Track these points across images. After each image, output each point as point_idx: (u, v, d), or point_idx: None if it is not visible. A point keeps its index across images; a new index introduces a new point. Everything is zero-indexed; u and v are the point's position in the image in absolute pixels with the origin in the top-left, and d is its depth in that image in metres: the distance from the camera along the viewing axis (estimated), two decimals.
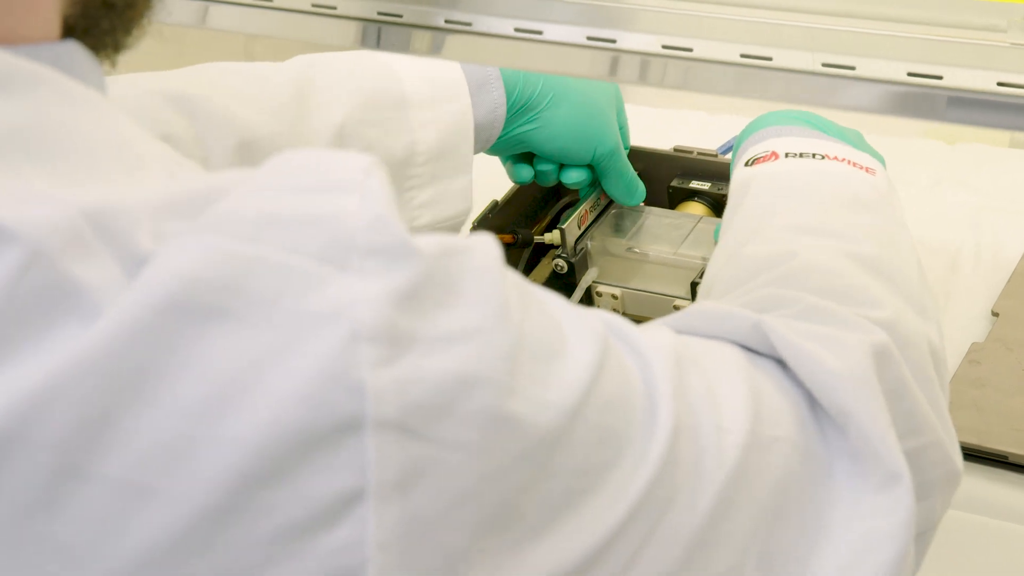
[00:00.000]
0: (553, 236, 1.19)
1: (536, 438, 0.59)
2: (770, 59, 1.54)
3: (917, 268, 0.87)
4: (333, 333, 0.55)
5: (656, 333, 0.70)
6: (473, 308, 0.58)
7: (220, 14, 1.27)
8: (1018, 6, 1.29)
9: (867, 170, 0.92)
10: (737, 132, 1.33)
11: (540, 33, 1.56)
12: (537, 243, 1.21)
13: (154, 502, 0.54)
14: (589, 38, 1.56)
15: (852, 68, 1.52)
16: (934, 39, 1.45)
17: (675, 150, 1.25)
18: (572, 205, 1.23)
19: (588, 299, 1.16)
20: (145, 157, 0.61)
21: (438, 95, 1.09)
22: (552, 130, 1.15)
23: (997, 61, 1.46)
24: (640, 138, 1.29)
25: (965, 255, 1.24)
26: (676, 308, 1.13)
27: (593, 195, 1.18)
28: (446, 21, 1.68)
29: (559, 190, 1.26)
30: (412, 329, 0.56)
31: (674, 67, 1.40)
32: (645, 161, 1.26)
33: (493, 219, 1.20)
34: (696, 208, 1.22)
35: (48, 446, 0.53)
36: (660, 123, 1.48)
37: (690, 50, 1.54)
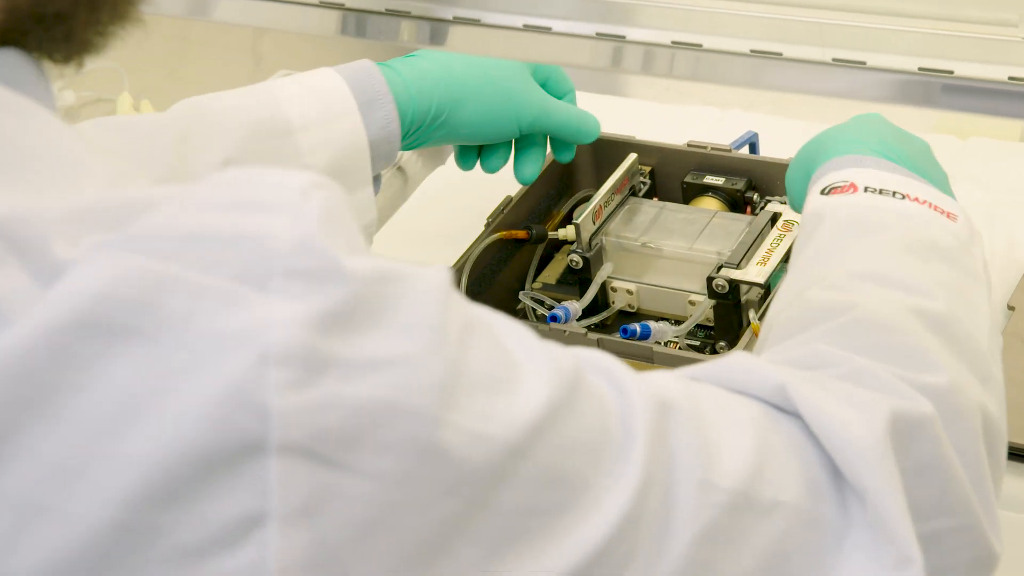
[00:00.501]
0: (567, 232, 1.19)
1: (469, 472, 0.58)
2: (780, 54, 1.54)
3: (988, 329, 0.83)
4: (241, 355, 0.54)
5: (654, 378, 0.67)
6: (403, 335, 0.57)
7: (226, 7, 1.27)
8: None
9: (949, 215, 0.88)
10: (749, 128, 1.33)
11: (548, 29, 1.56)
12: (551, 239, 1.21)
13: (50, 521, 0.53)
14: (598, 34, 1.56)
15: (863, 63, 1.52)
16: (945, 34, 1.45)
17: (689, 145, 1.25)
18: (586, 200, 1.22)
19: (603, 294, 1.16)
20: (85, 168, 0.60)
21: (324, 116, 1.08)
22: (466, 128, 1.14)
23: (1008, 55, 1.46)
24: (652, 134, 1.29)
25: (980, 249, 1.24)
26: (691, 303, 1.13)
27: (608, 190, 1.18)
28: (455, 18, 1.68)
29: (572, 185, 1.26)
30: (330, 354, 0.55)
31: (683, 58, 1.40)
32: (658, 156, 1.25)
33: (507, 215, 1.20)
34: (710, 203, 1.22)
35: None
36: (671, 119, 1.48)
37: (699, 45, 1.54)
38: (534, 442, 0.60)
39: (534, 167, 1.20)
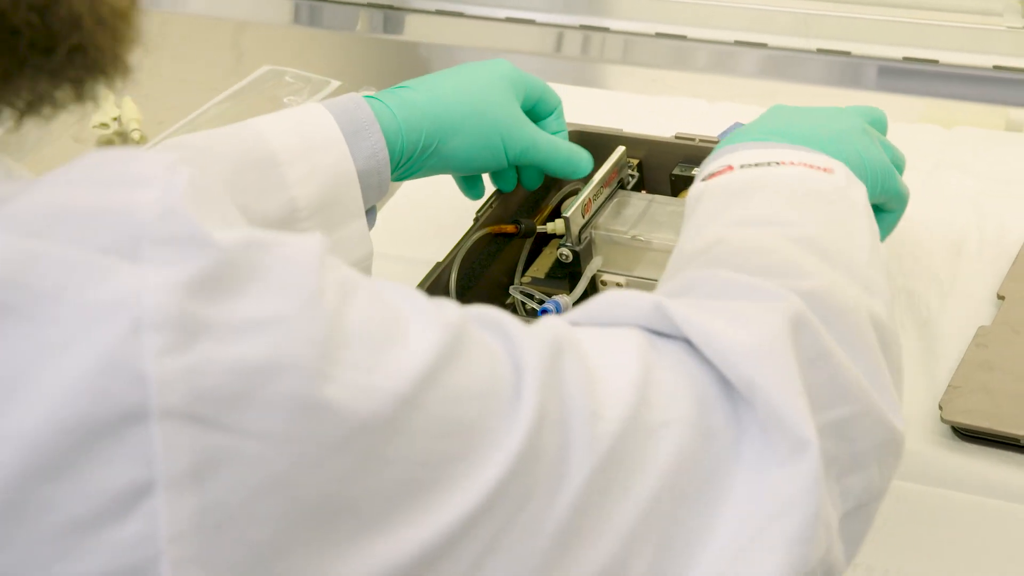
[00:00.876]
0: (556, 225, 1.19)
1: (358, 425, 0.58)
2: (765, 45, 1.54)
3: (870, 251, 0.85)
4: (114, 323, 0.55)
5: (541, 323, 0.69)
6: (276, 296, 0.58)
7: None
8: None
9: (825, 170, 0.89)
10: (738, 119, 1.33)
11: (532, 21, 1.56)
12: (540, 232, 1.21)
13: None
14: (582, 25, 1.56)
15: (847, 53, 1.52)
16: (930, 23, 1.46)
17: (676, 137, 1.25)
18: (574, 194, 1.22)
19: (593, 288, 1.16)
20: None
21: (310, 146, 1.07)
22: (456, 161, 1.13)
23: (993, 45, 1.46)
24: (639, 126, 1.28)
25: (969, 239, 1.24)
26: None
27: (596, 184, 1.18)
28: (437, 11, 1.68)
29: (560, 179, 1.26)
30: (205, 317, 0.56)
31: (666, 48, 1.40)
32: (646, 149, 1.25)
33: (495, 210, 1.19)
34: None
35: None
36: (656, 112, 1.47)
37: (684, 37, 1.54)
38: (424, 391, 0.60)
39: (511, 183, 1.21)
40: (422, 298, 0.64)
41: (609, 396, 0.67)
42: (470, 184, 1.20)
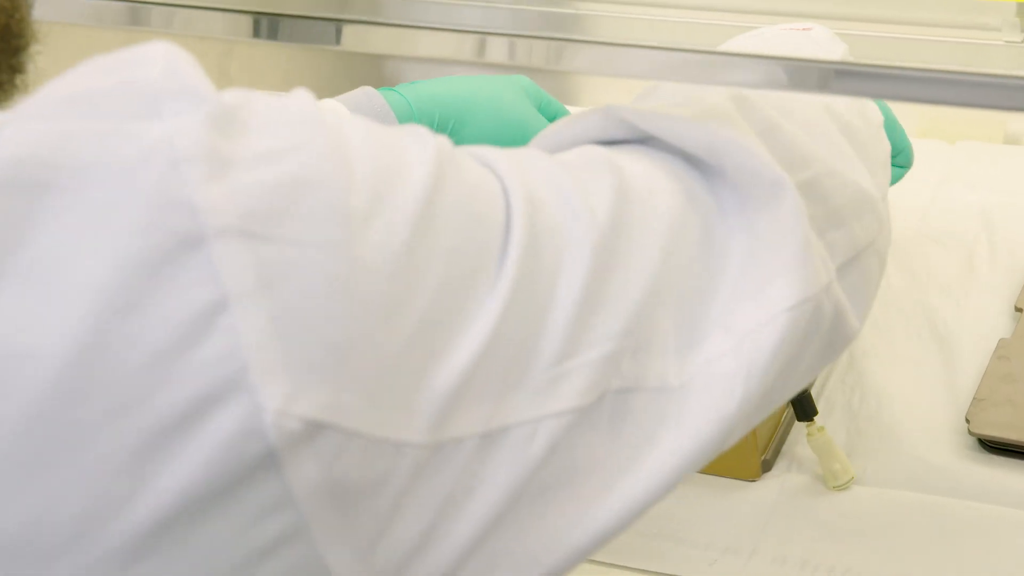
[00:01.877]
0: None
1: (393, 225, 0.61)
2: (763, 56, 1.54)
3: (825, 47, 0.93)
4: (153, 166, 0.57)
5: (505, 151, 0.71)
6: (286, 127, 0.61)
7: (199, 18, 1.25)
8: (1010, 4, 1.30)
9: (804, 29, 0.95)
10: None
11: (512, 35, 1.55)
12: None
13: (22, 360, 0.56)
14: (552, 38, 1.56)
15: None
16: (928, 39, 1.46)
17: None
18: None
19: None
20: None
21: None
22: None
23: (991, 59, 1.47)
24: None
25: (981, 252, 1.25)
26: None
27: None
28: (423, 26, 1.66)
29: None
30: (229, 151, 0.59)
31: (641, 57, 1.40)
32: None
33: None
34: None
35: None
36: None
37: (682, 50, 1.54)
38: (438, 192, 0.63)
39: None
40: (412, 131, 0.67)
41: (590, 180, 0.69)
42: None
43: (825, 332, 0.75)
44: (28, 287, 0.56)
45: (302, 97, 0.64)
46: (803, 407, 1.07)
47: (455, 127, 1.12)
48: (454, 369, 0.61)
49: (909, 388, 1.13)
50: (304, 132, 0.61)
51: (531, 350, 0.64)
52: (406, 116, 1.10)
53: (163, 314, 0.56)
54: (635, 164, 0.73)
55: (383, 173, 0.62)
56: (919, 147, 1.41)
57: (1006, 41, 1.47)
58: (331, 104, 1.10)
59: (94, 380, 0.56)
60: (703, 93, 0.79)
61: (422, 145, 0.65)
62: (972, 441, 1.06)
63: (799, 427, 1.10)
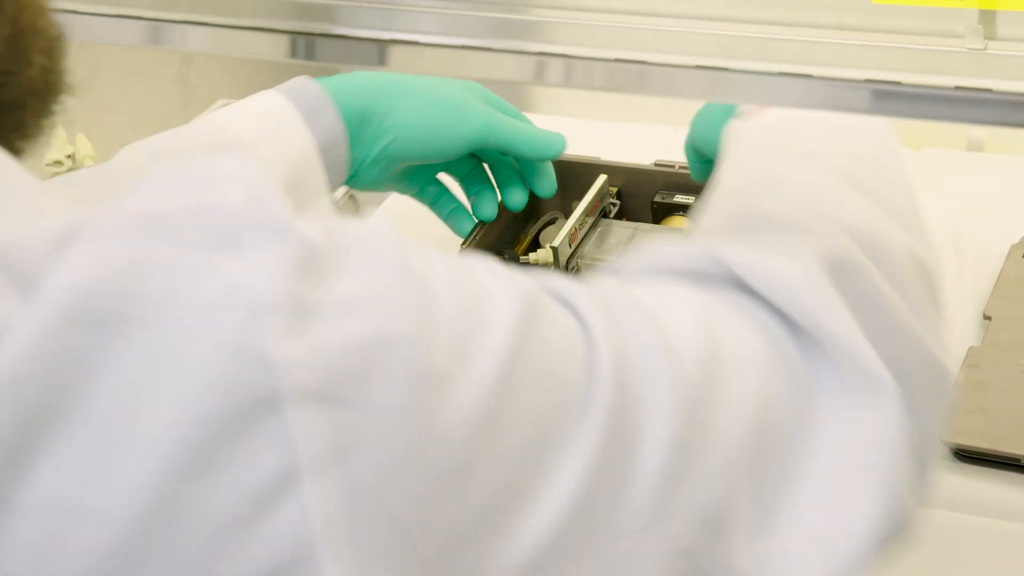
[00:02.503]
0: (540, 256, 1.18)
1: (473, 388, 0.58)
2: (726, 69, 1.54)
3: (908, 193, 0.86)
4: (232, 312, 0.54)
5: (593, 282, 0.69)
6: (371, 271, 0.58)
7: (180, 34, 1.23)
8: (973, 11, 1.30)
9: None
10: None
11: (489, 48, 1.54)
12: (523, 262, 1.20)
13: (84, 519, 0.53)
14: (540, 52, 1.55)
15: (808, 76, 1.52)
16: (892, 46, 1.46)
17: (656, 165, 1.25)
18: (552, 223, 1.21)
19: None
20: (47, 208, 0.59)
21: (270, 130, 1.07)
22: (408, 131, 1.12)
23: (954, 66, 1.47)
24: (600, 152, 1.28)
25: (949, 260, 1.25)
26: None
27: (581, 212, 1.17)
28: (391, 40, 1.66)
29: (537, 208, 1.25)
30: (312, 299, 0.56)
31: (626, 72, 1.39)
32: (624, 176, 1.25)
33: (478, 241, 1.19)
34: (682, 222, 1.21)
35: None
36: (618, 139, 1.47)
37: (644, 62, 1.53)
38: (523, 347, 0.60)
39: (493, 204, 1.20)
40: (493, 263, 0.64)
41: (678, 338, 0.66)
42: (457, 216, 1.19)
43: (902, 532, 0.73)
44: (95, 436, 0.53)
45: (386, 230, 0.60)
46: None
47: (383, 113, 1.11)
48: (523, 545, 0.59)
49: None
50: (389, 278, 0.58)
51: (606, 524, 0.62)
52: (343, 99, 1.10)
53: (232, 481, 0.53)
54: (730, 319, 0.70)
55: (467, 326, 0.59)
56: None
57: (968, 48, 1.48)
58: (271, 97, 1.09)
59: (155, 547, 0.53)
60: (815, 228, 0.75)
61: (506, 288, 0.62)
62: (944, 450, 1.05)
63: None
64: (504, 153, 1.17)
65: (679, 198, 1.22)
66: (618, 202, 1.23)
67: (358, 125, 1.11)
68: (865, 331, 0.71)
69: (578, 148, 1.32)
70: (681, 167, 1.23)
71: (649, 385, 0.64)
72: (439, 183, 1.20)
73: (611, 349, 0.64)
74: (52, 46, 0.65)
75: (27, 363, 0.53)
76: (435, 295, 0.59)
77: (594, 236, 1.19)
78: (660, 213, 1.23)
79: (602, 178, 1.21)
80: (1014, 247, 1.25)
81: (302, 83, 1.10)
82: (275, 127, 1.07)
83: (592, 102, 1.58)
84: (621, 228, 1.20)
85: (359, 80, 1.12)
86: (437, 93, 1.13)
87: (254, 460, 0.53)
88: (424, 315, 0.58)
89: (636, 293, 0.69)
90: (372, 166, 1.13)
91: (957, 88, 1.44)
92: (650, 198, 1.23)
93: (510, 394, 0.59)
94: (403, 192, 1.20)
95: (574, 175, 1.25)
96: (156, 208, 0.56)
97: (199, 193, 0.57)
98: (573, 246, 1.16)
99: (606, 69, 1.43)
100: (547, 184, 1.19)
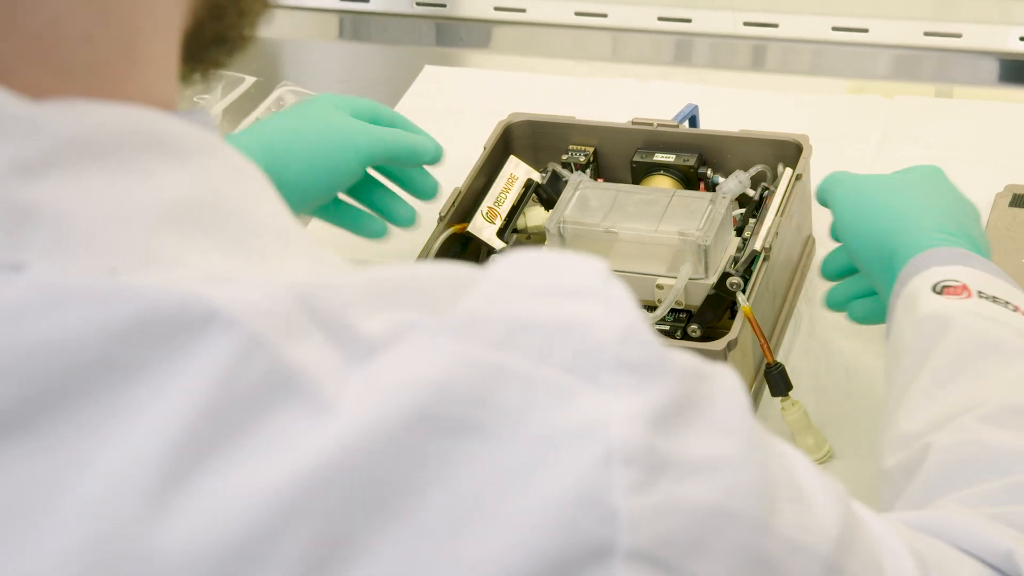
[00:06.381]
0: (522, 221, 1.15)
1: None
2: (776, 26, 1.49)
3: None
4: (585, 453, 0.51)
5: (897, 526, 0.66)
6: (725, 436, 0.55)
7: None
8: None
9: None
10: (678, 102, 1.30)
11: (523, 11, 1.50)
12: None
13: None
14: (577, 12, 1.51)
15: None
16: None
17: (633, 123, 1.22)
18: (528, 187, 1.19)
19: None
20: (291, 229, 0.57)
21: None
22: (302, 186, 1.12)
23: (922, 11, 1.45)
24: (569, 110, 1.25)
25: None
26: (659, 287, 1.09)
27: (493, 196, 1.17)
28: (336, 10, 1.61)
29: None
30: (666, 452, 0.53)
31: (668, 41, 1.36)
32: (601, 136, 1.22)
33: (458, 208, 1.15)
34: (664, 181, 1.19)
35: (287, 562, 0.49)
36: (582, 94, 1.44)
37: (689, 20, 1.49)
38: (842, 556, 0.58)
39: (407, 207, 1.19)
40: (804, 458, 0.61)
41: None
42: (365, 222, 1.19)
43: None
44: (423, 542, 0.50)
45: (740, 387, 0.57)
46: (778, 382, 1.04)
47: (284, 165, 1.10)
48: None
49: (872, 356, 1.11)
50: (739, 443, 0.55)
51: None
52: None
53: None
54: None
55: (800, 520, 0.56)
56: (859, 103, 1.39)
57: None
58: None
59: None
60: None
61: (825, 490, 0.59)
62: None
63: (770, 402, 1.07)
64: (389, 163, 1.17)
65: (659, 157, 1.19)
66: (592, 160, 1.21)
67: None
68: None
69: (540, 106, 1.29)
70: (660, 125, 1.20)
71: None
72: (336, 202, 1.18)
73: None
74: None
75: (363, 450, 0.50)
76: (772, 477, 0.56)
77: (575, 199, 1.15)
78: (640, 173, 1.20)
79: (511, 161, 1.20)
80: (999, 196, 1.23)
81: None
82: None
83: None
84: (602, 190, 1.16)
85: (246, 142, 1.09)
86: (315, 132, 1.12)
87: None
88: (766, 496, 0.55)
89: (941, 563, 0.67)
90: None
91: (925, 34, 1.42)
92: (628, 158, 1.20)
93: None
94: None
95: (550, 136, 1.22)
96: (517, 315, 0.53)
97: (562, 306, 0.53)
98: (498, 221, 1.15)
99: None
100: (428, 187, 1.19)
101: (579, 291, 0.54)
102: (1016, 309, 0.88)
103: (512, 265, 0.55)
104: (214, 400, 0.49)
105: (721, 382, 0.56)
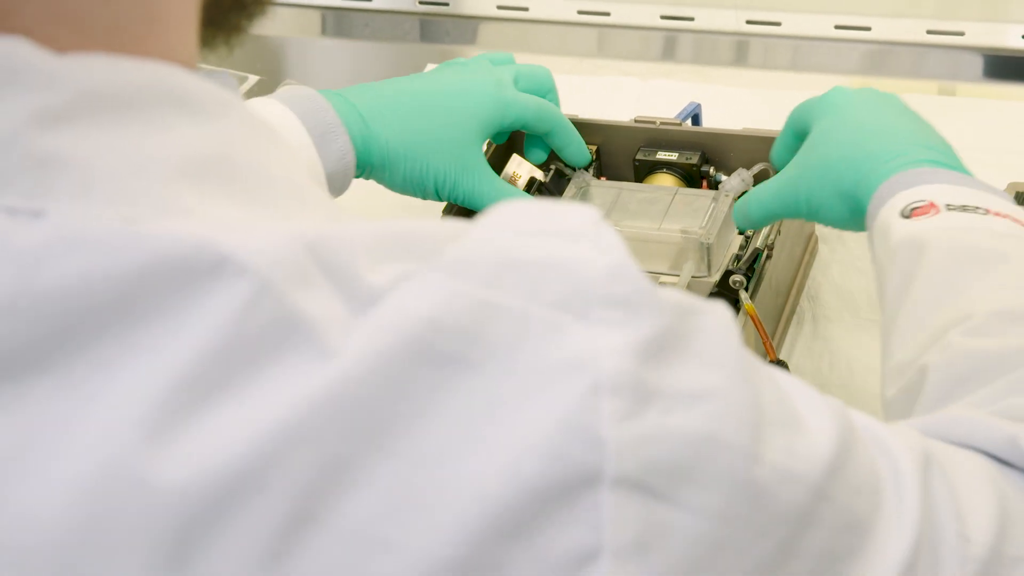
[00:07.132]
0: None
1: (778, 512, 0.57)
2: (779, 24, 1.49)
3: None
4: (574, 384, 0.53)
5: (903, 431, 0.67)
6: (713, 367, 0.56)
7: None
8: None
9: (1017, 221, 0.88)
10: (681, 100, 1.30)
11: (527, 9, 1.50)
12: None
13: (389, 554, 0.52)
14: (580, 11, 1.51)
15: (868, 29, 1.48)
16: None
17: (635, 121, 1.22)
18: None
19: None
20: (307, 190, 0.58)
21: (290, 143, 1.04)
22: (424, 149, 1.12)
23: (922, 10, 1.45)
24: (572, 108, 1.26)
25: None
26: (662, 285, 1.10)
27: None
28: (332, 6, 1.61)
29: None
30: (653, 384, 0.54)
31: (671, 39, 1.36)
32: (604, 134, 1.22)
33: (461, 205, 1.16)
34: (666, 180, 1.19)
35: (285, 491, 0.51)
36: (585, 92, 1.44)
37: (692, 19, 1.49)
38: (832, 481, 0.59)
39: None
40: (801, 383, 0.62)
41: (972, 521, 0.65)
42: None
43: None
44: (416, 473, 0.52)
45: (731, 321, 0.58)
46: None
47: (387, 168, 1.11)
48: None
49: (874, 353, 1.11)
50: (729, 379, 0.56)
51: None
52: (356, 132, 1.08)
53: (537, 550, 0.52)
54: (1019, 510, 0.67)
55: (788, 446, 0.57)
56: None
57: None
58: (281, 114, 1.05)
59: None
60: None
61: (822, 414, 0.60)
62: None
63: None
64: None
65: (662, 155, 1.20)
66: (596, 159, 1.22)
67: (367, 164, 1.10)
68: None
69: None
70: (663, 123, 1.21)
71: (938, 554, 0.63)
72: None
73: (919, 503, 0.62)
74: None
75: (360, 385, 0.52)
76: (763, 406, 0.57)
77: (577, 198, 1.16)
78: (643, 171, 1.20)
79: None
80: None
81: (315, 104, 1.07)
82: (294, 145, 1.04)
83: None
84: (604, 189, 1.17)
85: (373, 132, 1.10)
86: (424, 162, 1.12)
87: (562, 534, 0.53)
88: (755, 426, 0.56)
89: (944, 462, 0.67)
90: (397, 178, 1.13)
91: (928, 32, 1.42)
92: (631, 156, 1.20)
93: (814, 526, 0.58)
94: None
95: None
96: (510, 254, 0.54)
97: (552, 246, 0.55)
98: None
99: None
100: (578, 153, 1.19)
101: (570, 233, 0.55)
102: (988, 212, 0.87)
103: (505, 211, 0.57)
104: (222, 342, 0.51)
105: (712, 317, 0.57)
